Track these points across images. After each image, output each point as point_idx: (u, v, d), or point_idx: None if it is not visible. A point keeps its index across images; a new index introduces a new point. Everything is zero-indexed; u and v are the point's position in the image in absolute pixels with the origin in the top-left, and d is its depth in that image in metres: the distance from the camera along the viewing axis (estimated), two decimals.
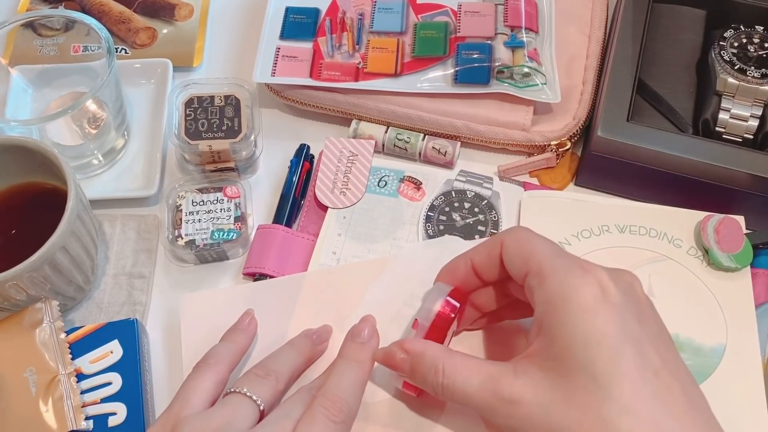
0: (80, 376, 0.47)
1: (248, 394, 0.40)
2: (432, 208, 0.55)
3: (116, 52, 0.62)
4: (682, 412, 0.34)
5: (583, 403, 0.34)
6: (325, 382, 0.41)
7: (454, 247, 0.52)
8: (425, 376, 0.39)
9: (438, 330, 0.42)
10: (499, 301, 0.44)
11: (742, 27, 0.56)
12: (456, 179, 0.56)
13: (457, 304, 0.42)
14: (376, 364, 0.43)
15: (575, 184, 0.58)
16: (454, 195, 0.55)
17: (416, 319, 0.43)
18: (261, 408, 0.40)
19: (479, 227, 0.54)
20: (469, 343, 0.47)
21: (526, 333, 0.47)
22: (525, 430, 0.36)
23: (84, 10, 0.67)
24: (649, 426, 0.34)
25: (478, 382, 0.38)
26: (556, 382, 0.35)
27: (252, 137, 0.56)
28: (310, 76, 0.59)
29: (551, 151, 0.57)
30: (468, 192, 0.55)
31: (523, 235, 0.41)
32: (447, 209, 0.55)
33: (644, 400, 0.34)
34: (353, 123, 0.59)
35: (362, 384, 0.42)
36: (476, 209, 0.54)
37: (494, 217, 0.54)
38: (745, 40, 0.55)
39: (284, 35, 0.61)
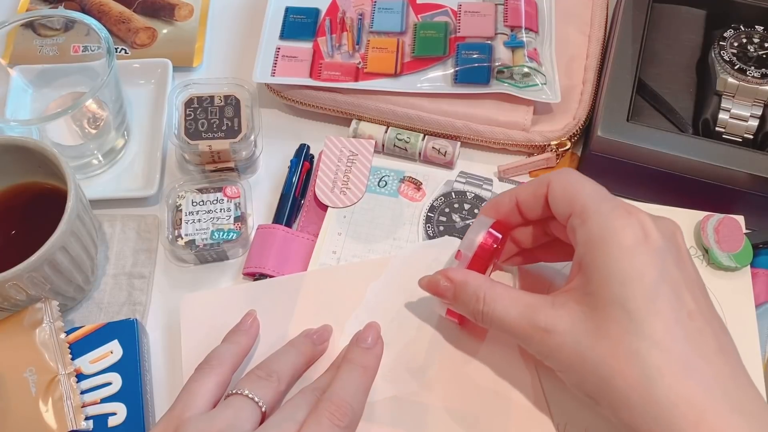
0: (80, 376, 0.47)
1: (250, 395, 0.40)
2: (432, 208, 0.55)
3: (116, 52, 0.63)
4: (712, 354, 0.35)
5: (615, 336, 0.36)
6: (330, 386, 0.41)
7: (453, 247, 0.52)
8: (467, 303, 0.41)
9: (480, 261, 0.43)
10: (538, 239, 0.46)
11: (742, 27, 0.56)
12: (456, 180, 0.56)
13: (499, 236, 0.43)
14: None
15: None
16: (454, 196, 0.55)
17: (459, 250, 0.44)
18: (263, 409, 0.40)
19: None
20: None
21: (562, 275, 0.48)
22: (558, 358, 0.38)
23: (84, 10, 0.67)
24: (679, 363, 0.35)
25: (516, 311, 0.39)
26: (590, 315, 0.37)
27: (252, 137, 0.56)
28: (310, 76, 0.59)
29: (551, 151, 0.57)
30: (468, 193, 0.55)
31: (570, 176, 0.41)
32: (447, 210, 0.55)
33: (676, 339, 0.35)
34: (353, 123, 0.59)
35: (366, 389, 0.43)
36: (476, 210, 0.54)
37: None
38: (745, 40, 0.55)
39: (284, 35, 0.61)
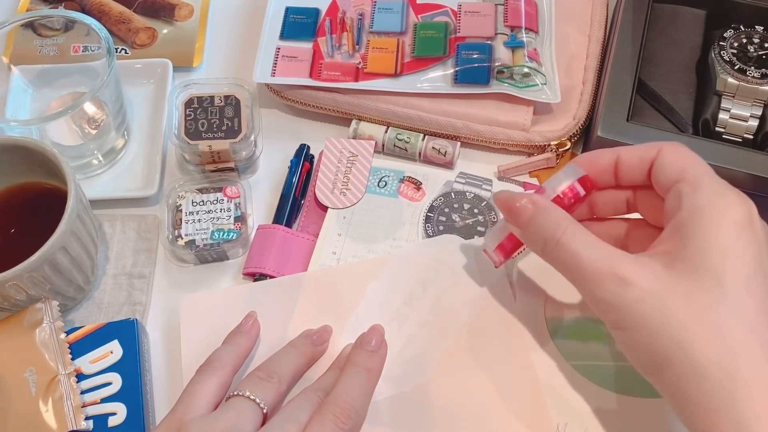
0: (80, 376, 0.47)
1: (252, 397, 0.40)
2: (432, 209, 0.55)
3: (116, 52, 0.62)
4: None
5: (704, 303, 0.35)
6: (333, 388, 0.41)
7: (452, 246, 0.52)
8: (544, 227, 0.39)
9: (561, 206, 0.42)
10: (617, 210, 0.45)
11: (742, 27, 0.56)
12: (455, 181, 0.56)
13: (582, 193, 0.42)
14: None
15: None
16: (453, 196, 0.55)
17: (543, 186, 0.43)
18: (264, 411, 0.40)
19: (479, 228, 0.54)
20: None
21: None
22: (629, 313, 0.36)
23: (84, 10, 0.67)
24: (764, 346, 0.34)
25: (597, 251, 0.38)
26: (680, 278, 0.36)
27: (252, 137, 0.56)
28: (310, 76, 0.59)
29: (551, 151, 0.57)
30: (467, 193, 0.55)
31: (684, 148, 0.41)
32: (446, 210, 0.55)
33: (763, 323, 0.35)
34: (353, 123, 0.59)
35: (370, 392, 0.43)
36: (475, 210, 0.54)
37: (494, 218, 0.54)
38: (745, 40, 0.55)
39: (284, 35, 0.61)
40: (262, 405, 0.40)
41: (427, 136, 0.58)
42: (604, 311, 0.38)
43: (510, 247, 0.44)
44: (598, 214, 0.46)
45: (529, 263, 0.50)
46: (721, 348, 0.34)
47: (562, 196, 0.42)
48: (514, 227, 0.42)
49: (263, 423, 0.40)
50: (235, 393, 0.41)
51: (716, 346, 0.34)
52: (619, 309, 0.37)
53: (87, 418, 0.46)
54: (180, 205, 0.54)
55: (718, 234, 0.36)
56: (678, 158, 0.40)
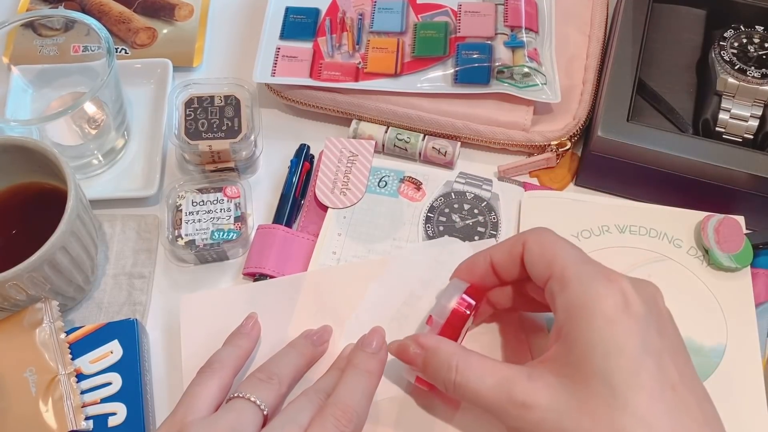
0: (80, 376, 0.47)
1: (252, 398, 0.40)
2: (432, 209, 0.55)
3: (116, 52, 0.62)
4: (697, 427, 0.34)
5: (598, 411, 0.34)
6: (334, 391, 0.41)
7: (453, 248, 0.52)
8: (438, 371, 0.39)
9: (452, 327, 0.42)
10: (516, 300, 0.44)
11: (742, 27, 0.56)
12: (456, 181, 0.56)
13: (473, 302, 0.42)
14: (389, 357, 0.43)
15: (575, 184, 0.58)
16: (453, 196, 0.55)
17: (431, 315, 0.43)
18: (265, 412, 0.40)
19: (479, 228, 0.54)
20: (481, 343, 0.47)
21: (540, 335, 0.47)
22: None
23: (84, 10, 0.67)
24: None
25: (492, 383, 0.37)
26: (571, 388, 0.35)
27: (252, 137, 0.56)
28: (310, 76, 0.59)
29: (551, 151, 0.57)
30: (467, 194, 0.55)
31: (547, 237, 0.40)
32: (447, 210, 0.55)
33: (660, 414, 0.34)
34: (353, 123, 0.59)
35: (371, 394, 0.42)
36: (476, 210, 0.54)
37: (494, 218, 0.54)
38: (745, 40, 0.55)
39: (284, 35, 0.61)
40: (262, 407, 0.40)
41: (427, 136, 0.58)
42: None
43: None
44: (502, 308, 0.45)
45: None
46: None
47: (453, 316, 0.41)
48: (414, 370, 0.42)
49: (264, 425, 0.40)
50: (236, 395, 0.41)
51: None
52: None
53: (87, 418, 0.46)
54: (180, 205, 0.54)
55: (594, 333, 0.35)
56: (542, 252, 0.39)
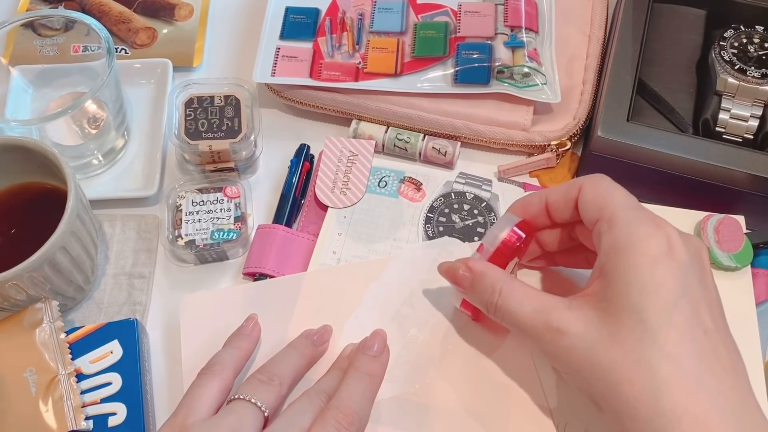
0: (80, 376, 0.47)
1: (253, 400, 0.40)
2: (432, 209, 0.55)
3: (116, 52, 0.63)
4: (723, 373, 0.35)
5: (627, 344, 0.35)
6: (336, 393, 0.41)
7: (452, 248, 0.52)
8: (482, 294, 0.41)
9: (501, 256, 0.43)
10: (563, 243, 0.45)
11: (742, 27, 0.56)
12: (455, 181, 0.56)
13: (523, 235, 0.43)
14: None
15: None
16: (453, 197, 0.55)
17: (481, 243, 0.44)
18: (266, 414, 0.40)
19: (478, 229, 0.54)
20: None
21: (581, 280, 0.48)
22: (566, 360, 0.38)
23: (84, 10, 0.67)
24: (688, 378, 0.34)
25: (531, 308, 0.39)
26: (604, 320, 0.37)
27: (252, 137, 0.56)
28: (310, 76, 0.59)
29: (551, 151, 0.57)
30: (467, 194, 0.55)
31: (602, 182, 0.41)
32: (446, 211, 0.55)
33: (688, 354, 0.35)
34: (353, 123, 0.59)
35: (372, 397, 0.43)
36: (475, 211, 0.54)
37: (493, 219, 0.54)
38: (745, 40, 0.55)
39: (284, 35, 0.61)
40: (263, 408, 0.40)
41: (427, 136, 0.58)
42: (551, 360, 0.40)
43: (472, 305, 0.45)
44: (549, 249, 0.46)
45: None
46: (647, 386, 0.34)
47: (503, 245, 0.43)
48: (461, 290, 0.43)
49: (264, 426, 0.40)
50: (236, 396, 0.41)
51: (642, 385, 0.35)
52: (558, 357, 0.38)
53: (87, 418, 0.46)
54: (180, 205, 0.54)
55: (634, 271, 0.36)
56: (596, 195, 0.40)
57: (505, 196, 0.55)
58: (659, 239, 0.37)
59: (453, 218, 0.54)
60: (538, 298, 0.39)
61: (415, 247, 0.53)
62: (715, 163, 0.51)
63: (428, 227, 0.54)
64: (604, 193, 0.40)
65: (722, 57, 0.54)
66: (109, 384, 0.47)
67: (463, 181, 0.56)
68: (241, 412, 0.40)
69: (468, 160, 0.58)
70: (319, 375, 0.45)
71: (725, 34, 0.56)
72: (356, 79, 0.58)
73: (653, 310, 0.35)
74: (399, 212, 0.55)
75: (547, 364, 0.46)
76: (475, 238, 0.53)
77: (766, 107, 0.54)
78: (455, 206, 0.55)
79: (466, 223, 0.54)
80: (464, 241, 0.53)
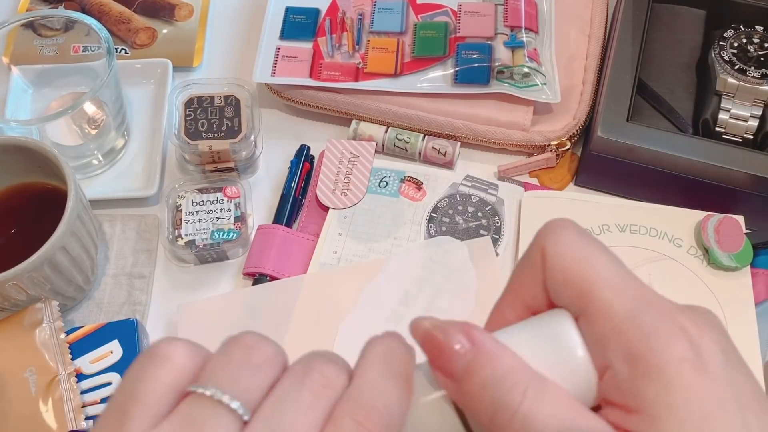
0: (80, 376, 0.47)
1: (225, 400, 0.25)
2: (435, 209, 0.55)
3: (116, 52, 0.62)
4: None
5: None
6: (354, 379, 0.26)
7: (447, 247, 0.52)
8: (492, 387, 0.24)
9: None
10: None
11: (742, 27, 0.56)
12: (462, 183, 0.56)
13: None
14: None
15: (575, 184, 0.58)
16: (458, 198, 0.55)
17: None
18: (245, 419, 0.25)
19: (481, 231, 0.54)
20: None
21: None
22: None
23: (84, 10, 0.67)
24: None
25: (557, 426, 0.24)
26: None
27: (252, 137, 0.56)
28: (310, 76, 0.59)
29: (551, 151, 0.57)
30: (473, 197, 0.55)
31: (572, 250, 0.27)
32: (450, 212, 0.55)
33: None
34: (353, 123, 0.59)
35: (408, 403, 0.26)
36: (479, 214, 0.54)
37: (497, 222, 0.54)
38: (745, 40, 0.55)
39: (284, 35, 0.61)
40: (240, 411, 0.24)
41: (427, 136, 0.58)
42: None
43: None
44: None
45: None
46: None
47: None
48: (441, 377, 0.25)
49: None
50: (196, 390, 0.26)
51: None
52: None
53: (87, 418, 0.46)
54: (180, 205, 0.54)
55: (666, 397, 0.24)
56: (567, 276, 0.26)
57: (508, 196, 0.55)
58: (681, 348, 0.25)
59: (456, 219, 0.54)
60: (576, 413, 0.24)
61: (410, 247, 0.53)
62: (714, 163, 0.51)
63: (431, 227, 0.54)
64: (577, 268, 0.26)
65: (722, 57, 0.54)
66: (109, 384, 0.47)
67: (470, 184, 0.56)
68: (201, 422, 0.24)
69: (468, 160, 0.58)
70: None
71: (725, 34, 0.56)
72: (356, 80, 0.58)
73: None
74: (400, 211, 0.55)
75: None
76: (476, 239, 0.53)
77: (765, 107, 0.54)
78: (459, 208, 0.55)
79: (470, 225, 0.54)
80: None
